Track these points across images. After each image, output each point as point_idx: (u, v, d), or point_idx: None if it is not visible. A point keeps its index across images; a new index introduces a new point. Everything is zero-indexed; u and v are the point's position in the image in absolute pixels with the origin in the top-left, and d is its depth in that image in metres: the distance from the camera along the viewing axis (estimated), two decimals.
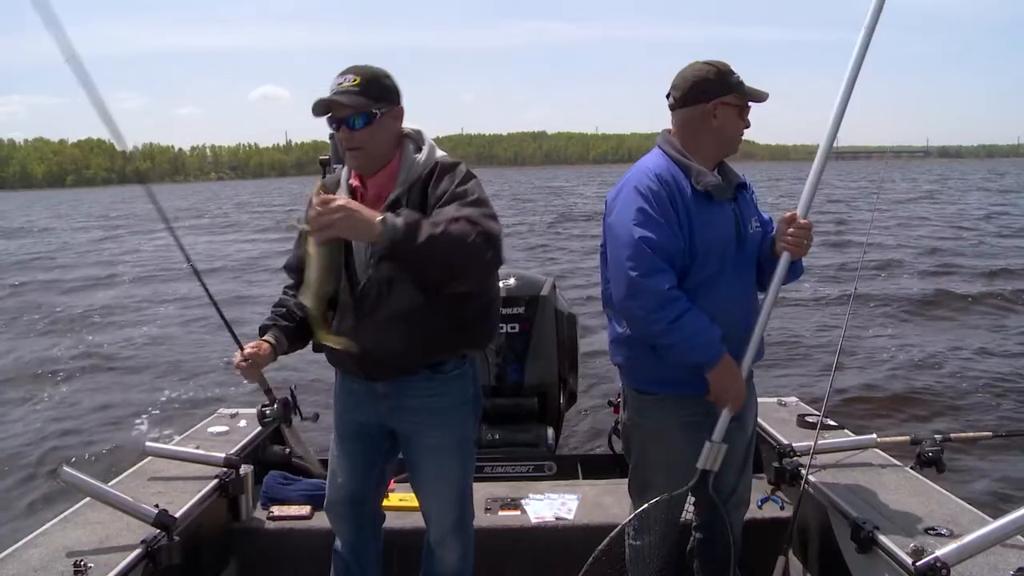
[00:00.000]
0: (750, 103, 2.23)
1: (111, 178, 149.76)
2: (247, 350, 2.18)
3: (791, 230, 2.19)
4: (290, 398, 2.55)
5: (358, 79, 2.00)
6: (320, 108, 2.01)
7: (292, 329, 2.25)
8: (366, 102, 1.99)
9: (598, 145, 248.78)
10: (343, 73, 2.03)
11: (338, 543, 2.40)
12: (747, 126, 2.26)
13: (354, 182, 2.14)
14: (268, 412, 2.45)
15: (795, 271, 2.30)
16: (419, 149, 2.11)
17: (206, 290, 2.67)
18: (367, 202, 2.01)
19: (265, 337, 2.22)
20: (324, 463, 3.15)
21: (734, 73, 2.20)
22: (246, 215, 36.78)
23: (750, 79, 2.21)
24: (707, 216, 2.17)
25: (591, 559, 2.15)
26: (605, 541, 2.20)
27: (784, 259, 2.20)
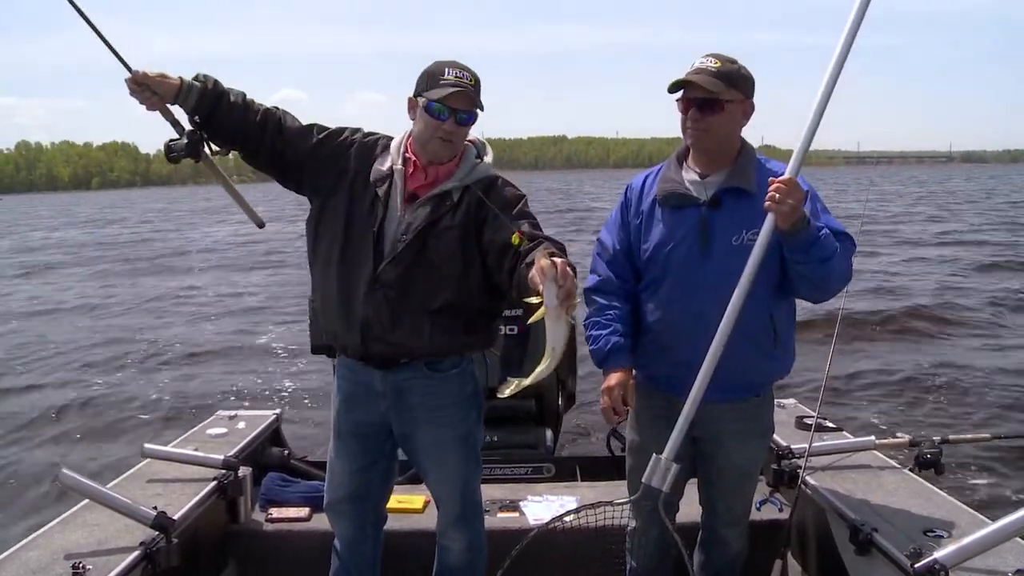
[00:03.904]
0: (684, 95, 2.15)
1: (135, 180, 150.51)
2: (140, 71, 2.03)
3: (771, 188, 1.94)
4: (195, 130, 2.15)
5: (473, 79, 2.07)
6: (456, 98, 2.02)
7: (214, 93, 2.08)
8: (479, 101, 2.08)
9: (618, 149, 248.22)
10: (457, 67, 2.06)
11: (337, 542, 2.41)
12: (685, 119, 2.16)
13: (409, 155, 2.16)
14: (174, 145, 2.14)
15: (806, 250, 1.98)
16: (479, 156, 2.20)
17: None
18: (425, 182, 2.12)
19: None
20: (320, 465, 3.14)
21: (692, 66, 2.16)
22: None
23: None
24: (659, 222, 2.22)
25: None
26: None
27: (767, 222, 1.97)
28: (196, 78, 2.08)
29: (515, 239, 1.89)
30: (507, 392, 1.82)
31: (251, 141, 2.16)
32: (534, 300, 1.71)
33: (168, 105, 2.09)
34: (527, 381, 1.80)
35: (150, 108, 2.07)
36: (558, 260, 1.67)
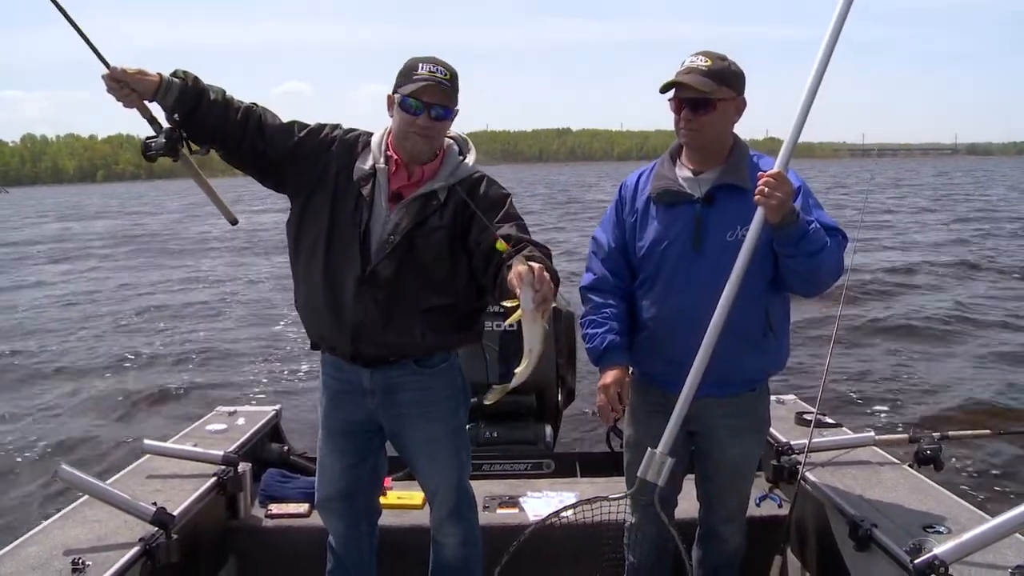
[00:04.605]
0: (676, 96, 2.16)
1: (139, 173, 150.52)
2: (118, 67, 1.95)
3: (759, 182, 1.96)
4: (175, 127, 2.06)
5: (449, 74, 2.04)
6: (428, 92, 2.00)
7: (195, 91, 2.01)
8: (455, 99, 2.06)
9: (622, 142, 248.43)
10: (432, 62, 2.04)
11: (331, 539, 2.42)
12: (678, 119, 2.16)
13: (391, 153, 2.13)
14: (153, 144, 2.05)
15: (795, 243, 1.99)
16: (461, 154, 2.18)
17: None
18: (409, 182, 2.10)
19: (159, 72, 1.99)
20: (314, 460, 3.16)
21: (682, 65, 2.15)
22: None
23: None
24: (653, 219, 2.22)
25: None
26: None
27: (757, 216, 1.99)
28: (175, 74, 2.00)
29: (500, 245, 1.89)
30: (491, 399, 1.90)
31: (231, 139, 2.09)
32: (510, 304, 1.75)
33: (147, 102, 2.02)
34: (510, 385, 1.86)
35: (128, 105, 2.00)
36: (535, 265, 1.70)
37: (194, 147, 2.10)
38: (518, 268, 1.70)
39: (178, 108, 2.00)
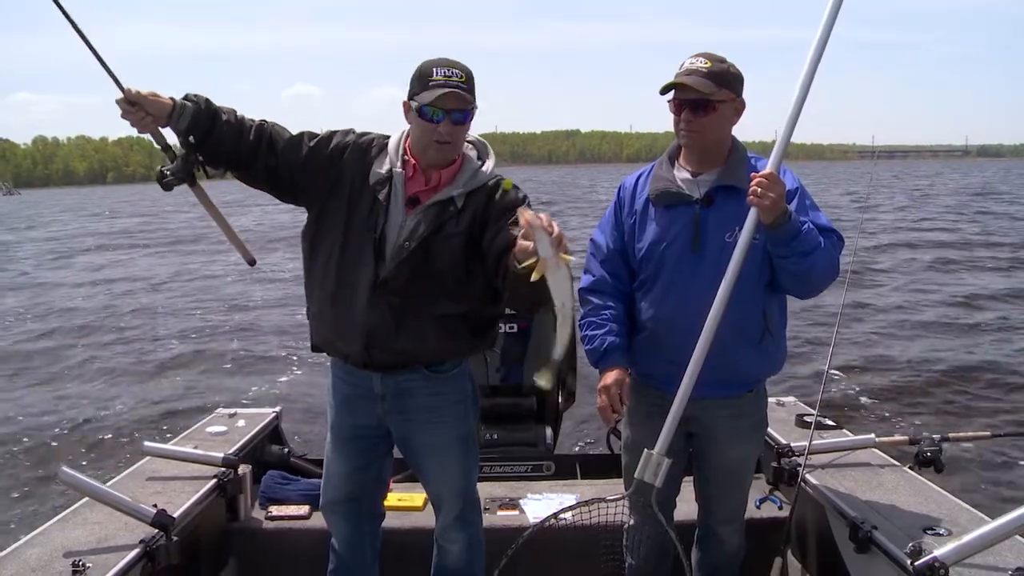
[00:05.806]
0: (676, 97, 2.16)
1: (149, 175, 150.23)
2: (132, 89, 1.94)
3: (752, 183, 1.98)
4: (190, 151, 2.03)
5: (464, 76, 2.00)
6: (448, 99, 1.95)
7: (208, 113, 2.00)
8: (473, 100, 2.02)
9: (632, 143, 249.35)
10: (446, 65, 1.99)
11: (334, 541, 2.42)
12: (678, 120, 2.16)
13: (408, 157, 2.10)
14: (168, 172, 2.03)
15: (787, 243, 1.99)
16: (480, 158, 2.15)
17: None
18: (427, 187, 2.08)
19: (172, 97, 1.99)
20: (320, 463, 3.17)
21: (682, 66, 2.15)
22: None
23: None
24: (653, 221, 2.23)
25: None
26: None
27: (750, 216, 2.00)
28: (187, 98, 2.00)
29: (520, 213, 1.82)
30: (546, 383, 1.87)
31: (245, 160, 2.08)
32: (526, 265, 1.68)
33: (160, 128, 2.02)
34: (556, 357, 1.80)
35: (142, 131, 1.99)
36: (542, 213, 1.68)
37: (210, 171, 2.09)
38: (525, 215, 1.65)
39: (193, 131, 2.00)
